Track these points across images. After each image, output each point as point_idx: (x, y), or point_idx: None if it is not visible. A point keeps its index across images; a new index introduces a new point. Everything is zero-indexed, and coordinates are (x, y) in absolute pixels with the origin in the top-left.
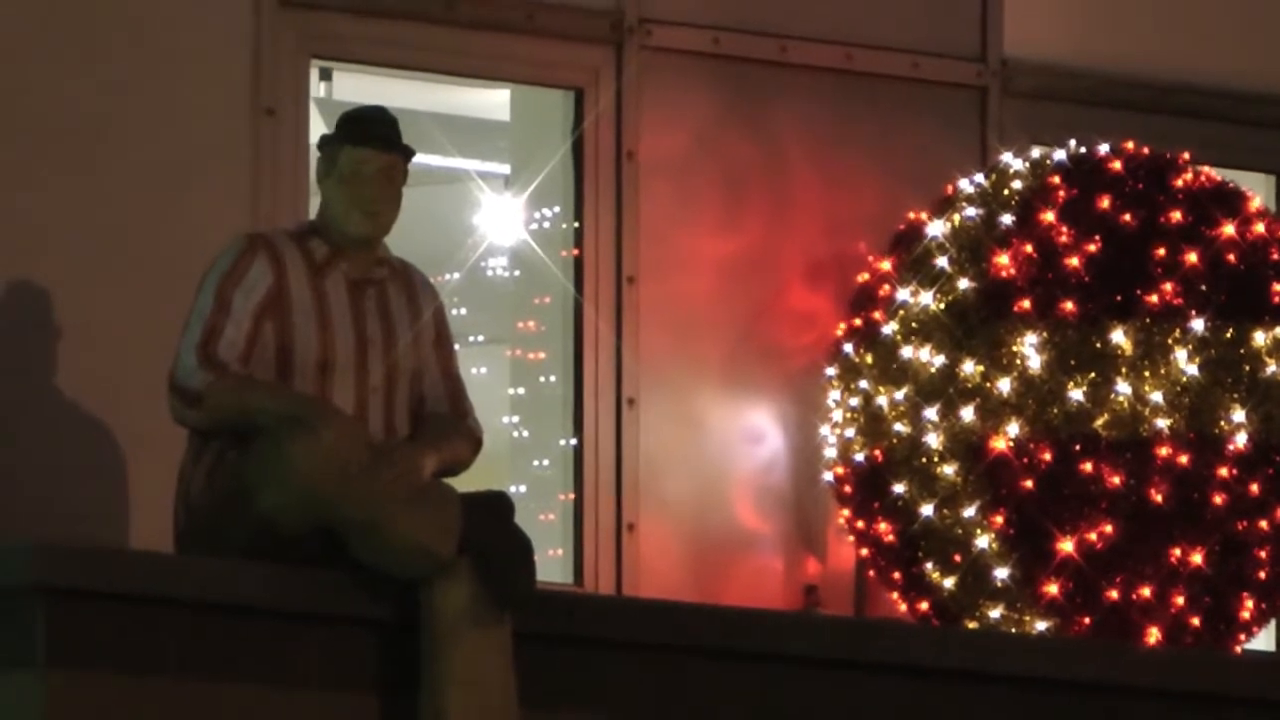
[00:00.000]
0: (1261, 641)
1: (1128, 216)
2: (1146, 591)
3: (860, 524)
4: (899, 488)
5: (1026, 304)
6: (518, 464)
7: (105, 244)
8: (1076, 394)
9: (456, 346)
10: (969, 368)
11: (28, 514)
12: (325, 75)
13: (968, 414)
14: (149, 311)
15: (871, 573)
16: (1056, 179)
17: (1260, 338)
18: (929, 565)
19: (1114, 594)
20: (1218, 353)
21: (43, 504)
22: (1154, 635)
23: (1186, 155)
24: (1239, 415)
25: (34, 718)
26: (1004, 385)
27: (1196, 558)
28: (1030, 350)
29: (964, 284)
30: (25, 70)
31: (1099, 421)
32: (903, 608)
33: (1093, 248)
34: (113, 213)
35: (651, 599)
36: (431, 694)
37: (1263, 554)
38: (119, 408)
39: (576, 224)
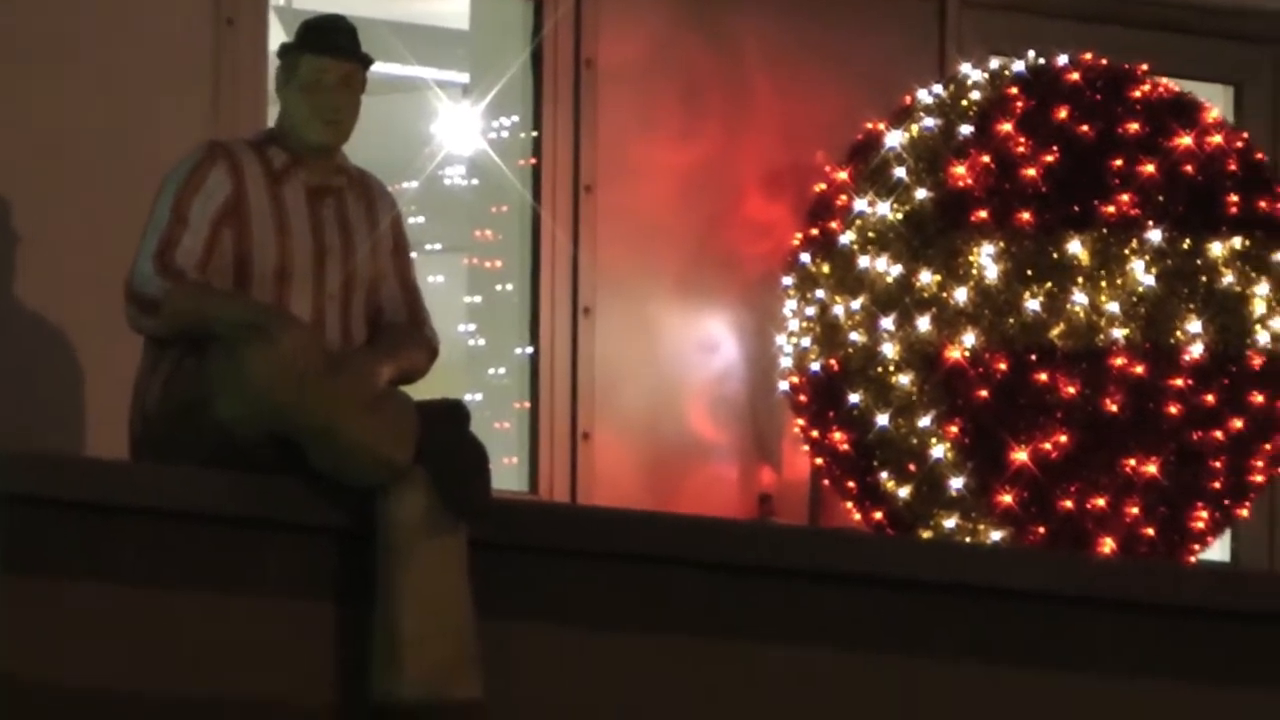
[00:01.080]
0: (1215, 552)
1: (1085, 127)
2: (1101, 501)
3: (815, 433)
4: (854, 397)
5: (983, 214)
6: (474, 372)
7: (66, 153)
8: (1033, 304)
9: (414, 255)
10: (925, 278)
11: None
12: None
13: (924, 324)
14: (109, 220)
15: (826, 482)
16: (1014, 90)
17: (1217, 248)
18: (884, 475)
19: (1068, 504)
20: (1174, 263)
21: None
22: (1108, 545)
23: (1144, 66)
24: (1195, 326)
25: None
26: (960, 295)
27: (1151, 468)
28: (987, 260)
29: (921, 194)
30: None
31: (1055, 332)
32: (857, 517)
33: (1050, 158)
34: (74, 122)
35: (606, 508)
36: (386, 602)
37: (1217, 464)
38: (76, 316)
39: (534, 133)
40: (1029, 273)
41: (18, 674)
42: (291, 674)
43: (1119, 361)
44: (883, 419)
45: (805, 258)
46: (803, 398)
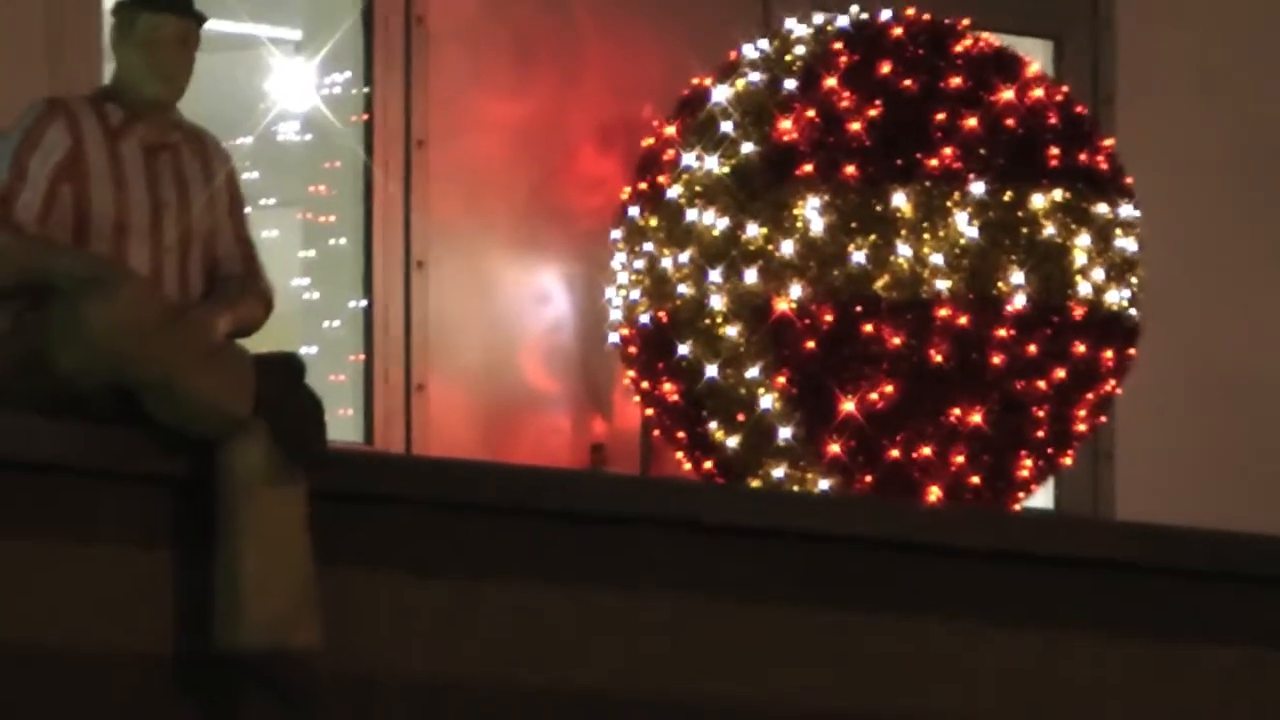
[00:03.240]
0: (1039, 499)
1: (908, 82)
2: (927, 450)
3: (646, 384)
4: (684, 349)
5: (809, 168)
6: (309, 325)
7: None
8: (858, 256)
9: (248, 210)
10: (752, 230)
11: None
12: None
13: (751, 276)
14: None
15: (657, 432)
16: (839, 45)
17: (1038, 200)
18: (713, 425)
19: (895, 453)
20: (996, 215)
21: None
22: (934, 493)
23: (966, 21)
24: (1017, 277)
25: None
26: (787, 248)
27: (976, 417)
28: (813, 213)
29: (748, 148)
30: None
31: (880, 283)
32: (688, 466)
33: (874, 112)
34: None
35: (439, 457)
36: (228, 551)
37: (1040, 413)
38: None
39: (367, 89)
40: (854, 225)
41: None
42: (132, 624)
43: (943, 313)
44: (711, 370)
45: (634, 211)
46: (633, 349)
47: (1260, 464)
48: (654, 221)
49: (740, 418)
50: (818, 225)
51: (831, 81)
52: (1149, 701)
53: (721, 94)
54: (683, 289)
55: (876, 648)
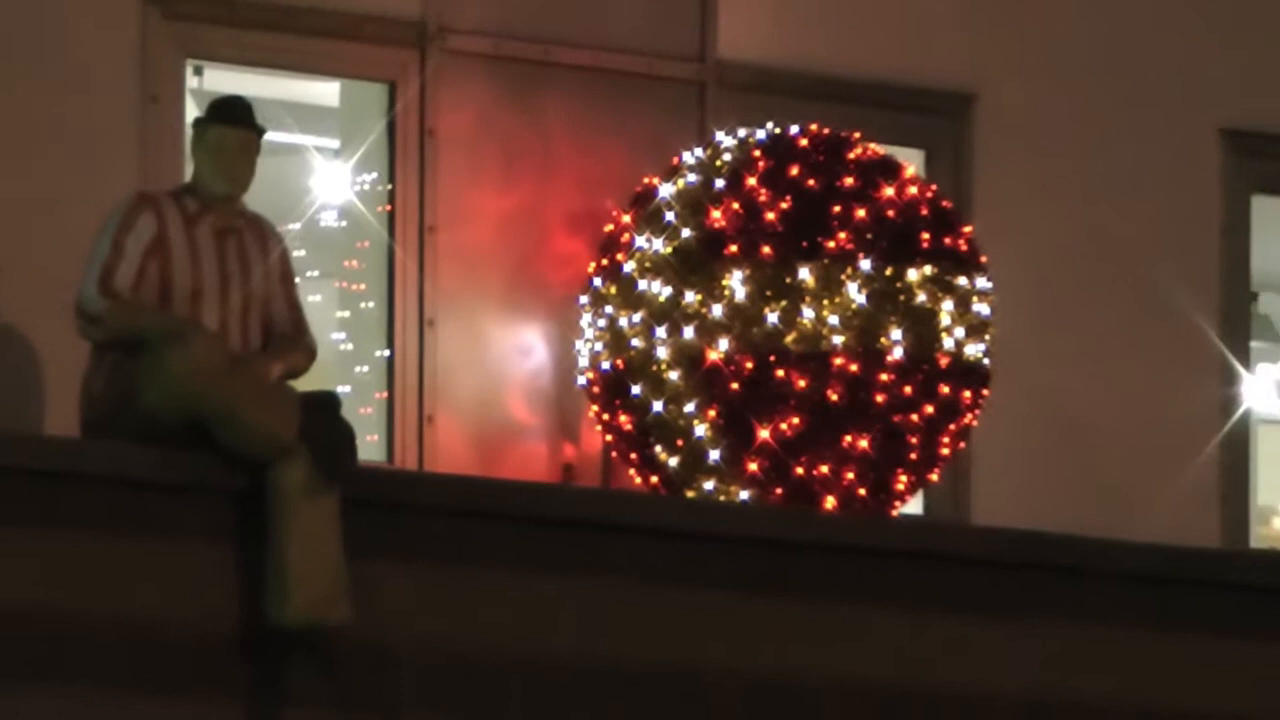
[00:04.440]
0: (912, 507)
1: (812, 181)
2: (825, 469)
3: (606, 417)
4: (636, 389)
5: (734, 248)
6: (343, 370)
7: (34, 204)
8: (772, 317)
9: (297, 280)
10: (690, 297)
11: None
12: (198, 71)
13: (689, 332)
14: (62, 257)
15: (614, 454)
16: (758, 152)
17: (913, 274)
18: (658, 448)
19: (800, 470)
20: (880, 286)
21: None
22: (830, 502)
23: (857, 134)
24: (896, 334)
25: None
26: (717, 310)
27: (863, 443)
28: (737, 284)
29: (686, 232)
30: None
31: (789, 339)
32: (638, 481)
33: (785, 205)
34: (37, 181)
35: (444, 473)
36: (276, 549)
37: (914, 440)
38: (38, 330)
39: (390, 186)
40: (769, 293)
41: None
42: (205, 604)
43: (839, 361)
44: (657, 405)
45: (597, 281)
46: (596, 389)
47: (1085, 479)
48: (613, 290)
49: (679, 443)
50: (741, 293)
51: (752, 181)
52: (989, 670)
53: (666, 190)
54: (635, 342)
55: (781, 625)
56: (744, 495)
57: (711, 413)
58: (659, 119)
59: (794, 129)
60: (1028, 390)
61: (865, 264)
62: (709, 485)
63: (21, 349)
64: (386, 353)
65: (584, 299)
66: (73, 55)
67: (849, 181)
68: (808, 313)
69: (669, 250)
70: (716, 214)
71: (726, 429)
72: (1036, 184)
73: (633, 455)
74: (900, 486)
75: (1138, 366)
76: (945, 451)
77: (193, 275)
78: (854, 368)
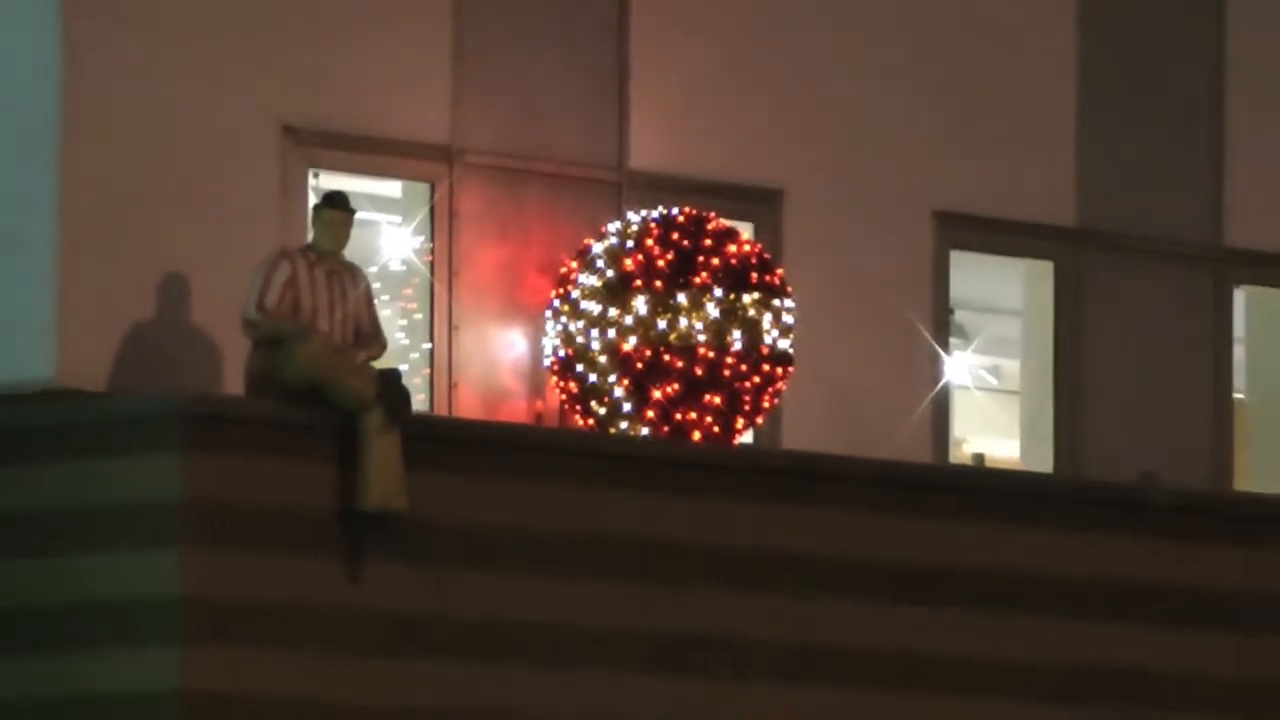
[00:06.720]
0: (745, 439)
1: (686, 242)
2: (693, 416)
3: (561, 384)
4: (579, 368)
5: (639, 283)
6: (402, 356)
7: (220, 257)
8: (661, 324)
9: (375, 301)
10: (612, 312)
11: (161, 372)
12: (315, 174)
13: (611, 334)
14: (237, 288)
15: (566, 407)
16: (653, 225)
17: (746, 298)
18: (592, 403)
19: (679, 417)
20: (727, 305)
21: (176, 369)
22: (696, 435)
23: (714, 213)
24: (736, 334)
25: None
26: (628, 320)
27: (717, 400)
28: (640, 304)
29: (610, 273)
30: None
31: (672, 337)
32: (580, 423)
33: (669, 257)
34: (222, 243)
35: (468, 419)
36: (362, 467)
37: (747, 399)
38: (223, 332)
39: (431, 245)
40: (660, 310)
41: None
42: (322, 496)
43: (701, 351)
44: (593, 378)
45: (556, 303)
46: (555, 368)
47: (848, 422)
48: (566, 308)
49: (605, 400)
50: (643, 309)
51: (649, 242)
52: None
53: (598, 248)
54: (579, 340)
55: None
56: (644, 431)
57: (625, 381)
58: (594, 205)
59: (674, 211)
60: (815, 369)
61: (718, 292)
62: (624, 425)
63: (212, 345)
64: (428, 346)
65: (548, 313)
66: (242, 167)
67: (708, 243)
68: (683, 322)
69: (600, 284)
70: (628, 262)
71: (633, 391)
72: (818, 245)
73: (577, 407)
74: (739, 427)
75: (883, 354)
76: (766, 405)
77: (312, 300)
78: (711, 355)
